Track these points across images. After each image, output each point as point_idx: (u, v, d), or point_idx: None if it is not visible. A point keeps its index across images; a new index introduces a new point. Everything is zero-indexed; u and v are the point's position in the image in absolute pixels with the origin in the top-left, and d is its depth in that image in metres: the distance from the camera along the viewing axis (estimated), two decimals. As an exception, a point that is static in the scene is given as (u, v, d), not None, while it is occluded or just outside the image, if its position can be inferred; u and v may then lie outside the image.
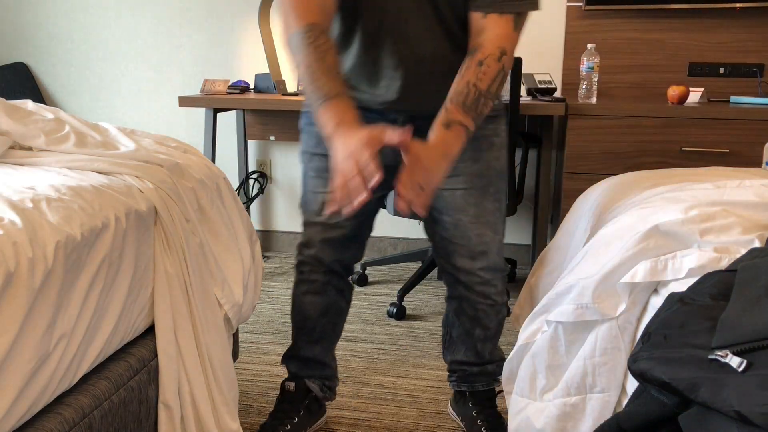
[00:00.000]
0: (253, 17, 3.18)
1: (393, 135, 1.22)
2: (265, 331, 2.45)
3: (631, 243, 1.14)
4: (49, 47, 3.42)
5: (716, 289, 0.93)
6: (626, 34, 2.91)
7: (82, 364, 1.17)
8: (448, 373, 1.82)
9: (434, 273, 3.05)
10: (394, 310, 2.59)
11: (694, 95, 2.69)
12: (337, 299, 1.70)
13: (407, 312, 2.65)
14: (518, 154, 2.65)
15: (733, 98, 2.72)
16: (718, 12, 2.82)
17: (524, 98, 2.67)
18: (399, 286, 2.77)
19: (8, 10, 3.41)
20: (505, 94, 2.37)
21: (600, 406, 1.16)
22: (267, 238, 3.46)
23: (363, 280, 2.98)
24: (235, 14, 3.23)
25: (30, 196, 1.15)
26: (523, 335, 1.32)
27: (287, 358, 1.78)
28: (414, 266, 3.14)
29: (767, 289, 0.86)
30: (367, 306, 2.72)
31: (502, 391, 1.45)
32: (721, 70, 2.87)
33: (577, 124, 2.53)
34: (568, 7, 2.92)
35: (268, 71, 2.99)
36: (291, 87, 3.16)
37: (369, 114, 1.49)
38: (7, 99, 1.59)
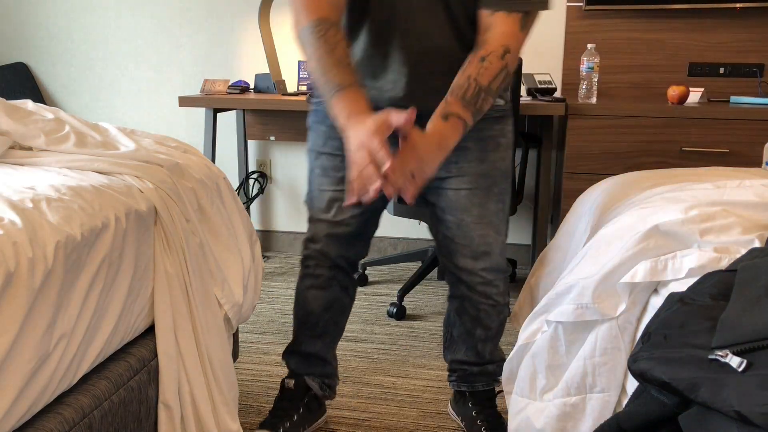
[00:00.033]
0: (253, 17, 3.18)
1: (399, 117, 1.23)
2: (265, 331, 2.45)
3: (631, 243, 1.14)
4: (49, 47, 3.42)
5: (716, 289, 0.93)
6: (626, 34, 2.91)
7: (82, 364, 1.17)
8: (448, 373, 1.82)
9: (434, 273, 3.05)
10: (394, 310, 2.59)
11: (694, 95, 2.69)
12: (341, 295, 1.71)
13: (407, 312, 2.65)
14: (518, 154, 2.64)
15: (733, 98, 2.72)
16: (718, 12, 2.82)
17: (524, 98, 2.67)
18: (399, 286, 2.77)
19: (8, 10, 3.41)
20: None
21: (600, 406, 1.16)
22: (267, 238, 3.46)
23: (363, 280, 2.98)
24: (235, 14, 3.23)
25: (30, 196, 1.15)
26: (523, 335, 1.32)
27: (288, 354, 1.78)
28: (414, 266, 3.14)
29: (767, 289, 0.86)
30: (367, 306, 2.72)
31: (502, 391, 1.45)
32: (721, 70, 2.87)
33: (577, 124, 2.53)
34: (568, 7, 2.92)
35: (268, 71, 2.99)
36: (291, 87, 3.16)
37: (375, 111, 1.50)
38: (7, 99, 1.59)
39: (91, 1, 3.34)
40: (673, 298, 0.96)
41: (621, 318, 1.13)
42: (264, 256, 3.34)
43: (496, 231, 1.59)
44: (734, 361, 0.75)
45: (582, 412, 1.18)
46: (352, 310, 2.59)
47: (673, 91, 2.57)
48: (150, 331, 1.40)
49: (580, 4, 2.89)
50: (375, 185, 1.23)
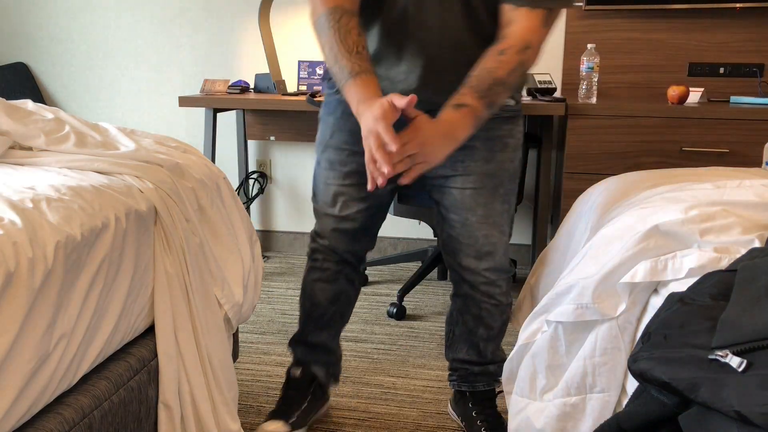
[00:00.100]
0: (253, 17, 3.18)
1: (402, 100, 1.23)
2: (265, 331, 2.45)
3: (631, 243, 1.14)
4: (49, 47, 3.42)
5: (716, 289, 0.93)
6: (626, 34, 2.91)
7: (82, 364, 1.17)
8: (449, 372, 1.82)
9: (434, 273, 3.05)
10: (394, 310, 2.59)
11: (694, 95, 2.68)
12: (347, 288, 1.73)
13: (407, 312, 2.64)
14: (518, 154, 2.64)
15: (733, 98, 2.72)
16: (718, 12, 2.82)
17: (524, 98, 2.67)
18: (399, 286, 2.77)
19: (8, 10, 3.41)
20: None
21: (600, 406, 1.16)
22: (267, 238, 3.46)
23: (363, 280, 2.98)
24: (235, 14, 3.23)
25: (30, 196, 1.15)
26: (523, 335, 1.32)
27: (294, 343, 1.80)
28: (414, 266, 3.14)
29: (767, 289, 0.86)
30: (367, 306, 2.72)
31: (502, 391, 1.45)
32: (721, 70, 2.87)
33: (577, 124, 2.53)
34: (568, 7, 2.92)
35: (268, 71, 2.99)
36: (291, 87, 3.16)
37: None
38: (7, 99, 1.59)
39: (91, 1, 3.34)
40: (673, 298, 0.96)
41: (621, 318, 1.13)
42: (264, 256, 3.34)
43: (500, 231, 1.59)
44: (734, 361, 0.75)
45: (582, 412, 1.18)
46: (353, 310, 2.61)
47: (673, 91, 2.57)
48: (150, 331, 1.40)
49: (580, 4, 2.88)
50: (385, 170, 1.23)
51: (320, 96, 2.82)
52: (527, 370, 1.29)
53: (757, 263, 0.95)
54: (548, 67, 3.01)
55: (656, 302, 1.09)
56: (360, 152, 1.40)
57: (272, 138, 3.20)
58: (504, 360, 1.73)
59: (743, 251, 1.05)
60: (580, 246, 1.50)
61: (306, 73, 3.08)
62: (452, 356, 1.79)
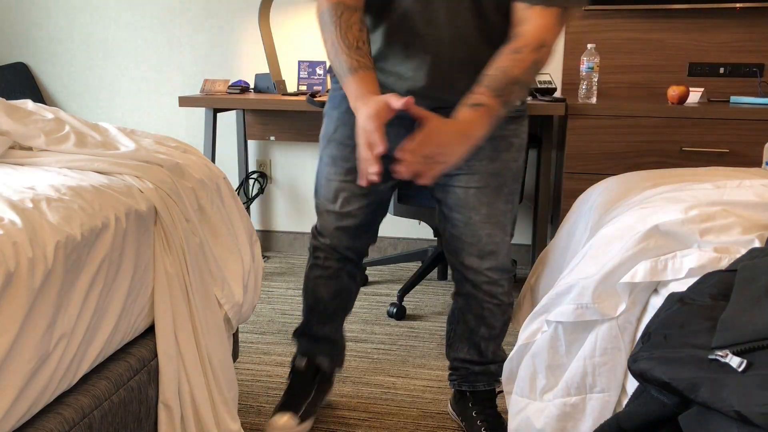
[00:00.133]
0: (253, 17, 3.18)
1: (397, 102, 1.23)
2: (265, 331, 2.45)
3: (631, 243, 1.14)
4: (49, 47, 3.42)
5: (716, 289, 0.93)
6: (626, 34, 2.91)
7: (82, 364, 1.17)
8: (449, 372, 1.82)
9: (434, 273, 3.05)
10: (394, 310, 2.59)
11: (694, 95, 2.68)
12: (349, 283, 1.75)
13: (407, 312, 2.64)
14: (518, 154, 2.64)
15: (733, 98, 2.72)
16: (718, 12, 2.82)
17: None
18: (399, 286, 2.76)
19: (8, 10, 3.41)
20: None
21: (600, 406, 1.16)
22: (267, 238, 3.46)
23: (363, 280, 2.98)
24: (235, 14, 3.23)
25: (30, 196, 1.15)
26: (523, 335, 1.32)
27: (298, 335, 1.82)
28: (414, 266, 3.14)
29: (767, 289, 0.86)
30: (367, 306, 2.72)
31: (502, 391, 1.45)
32: (721, 70, 2.87)
33: (577, 124, 2.53)
34: (568, 7, 2.92)
35: (268, 71, 2.99)
36: (291, 87, 3.16)
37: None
38: (7, 99, 1.59)
39: (91, 1, 3.34)
40: (673, 298, 0.96)
41: (621, 318, 1.13)
42: (264, 256, 3.34)
43: (503, 231, 1.59)
44: (734, 361, 0.75)
45: (582, 412, 1.18)
46: (353, 310, 2.61)
47: (673, 91, 2.57)
48: (150, 331, 1.40)
49: (580, 4, 2.88)
50: (372, 169, 1.24)
51: (320, 96, 2.82)
52: (527, 370, 1.29)
53: (757, 263, 0.95)
54: (548, 67, 3.01)
55: (656, 302, 1.09)
56: None
57: (272, 138, 3.20)
58: (505, 360, 1.73)
59: (743, 251, 1.05)
60: (580, 246, 1.50)
61: (306, 73, 3.08)
62: (453, 355, 1.79)
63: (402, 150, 1.23)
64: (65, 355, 1.10)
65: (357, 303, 2.72)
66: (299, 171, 3.36)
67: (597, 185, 1.71)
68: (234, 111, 3.25)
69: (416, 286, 2.81)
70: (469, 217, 1.56)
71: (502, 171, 1.56)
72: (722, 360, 0.76)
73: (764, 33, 2.80)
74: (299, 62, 3.10)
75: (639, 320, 1.13)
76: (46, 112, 1.56)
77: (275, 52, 3.04)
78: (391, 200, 2.72)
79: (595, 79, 2.65)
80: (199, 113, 3.33)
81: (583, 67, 2.65)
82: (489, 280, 1.60)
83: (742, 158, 2.46)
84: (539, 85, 2.73)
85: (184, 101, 2.80)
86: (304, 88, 3.09)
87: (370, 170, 1.25)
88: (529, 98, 2.71)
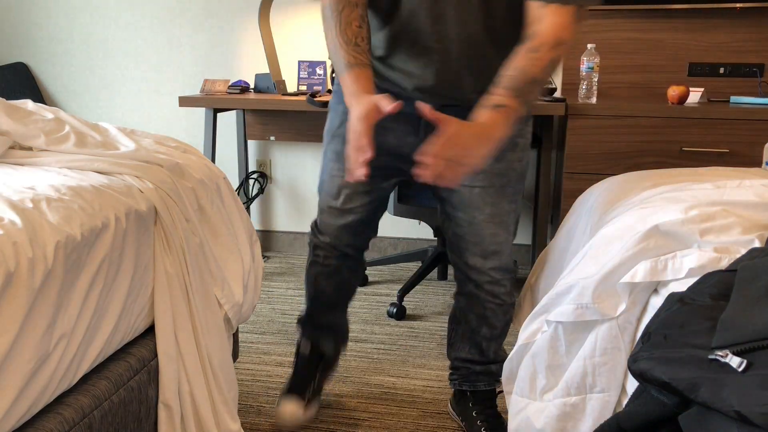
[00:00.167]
0: (253, 17, 3.18)
1: (387, 105, 1.24)
2: (265, 331, 2.45)
3: (631, 243, 1.14)
4: (49, 47, 3.42)
5: (716, 289, 0.93)
6: (626, 34, 2.91)
7: (82, 364, 1.17)
8: (450, 371, 1.82)
9: (434, 273, 3.05)
10: (394, 310, 2.59)
11: (694, 95, 2.68)
12: (349, 277, 1.76)
13: (407, 312, 2.64)
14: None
15: (733, 98, 2.72)
16: (718, 12, 2.82)
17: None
18: (399, 286, 2.76)
19: (8, 10, 3.41)
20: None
21: (600, 406, 1.16)
22: (267, 238, 3.46)
23: (363, 280, 2.98)
24: (235, 14, 3.23)
25: (30, 196, 1.15)
26: (523, 335, 1.32)
27: (302, 321, 1.84)
28: (414, 266, 3.13)
29: (767, 289, 0.86)
30: (367, 306, 2.72)
31: (502, 391, 1.45)
32: (721, 70, 2.87)
33: (577, 124, 2.53)
34: (568, 7, 2.92)
35: (268, 71, 2.99)
36: (291, 87, 3.16)
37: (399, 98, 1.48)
38: (7, 99, 1.59)
39: (91, 1, 3.34)
40: (673, 298, 0.96)
41: (621, 318, 1.13)
42: (264, 256, 3.34)
43: (506, 231, 1.59)
44: (734, 361, 0.75)
45: (582, 412, 1.18)
46: (353, 310, 2.62)
47: (673, 91, 2.57)
48: (150, 331, 1.40)
49: (580, 4, 2.88)
50: (359, 171, 1.26)
51: (320, 96, 2.82)
52: (527, 370, 1.29)
53: (757, 263, 0.95)
54: (548, 67, 3.00)
55: (656, 302, 1.09)
56: None
57: (272, 138, 3.20)
58: (506, 359, 1.73)
59: (743, 251, 1.05)
60: (580, 246, 1.50)
61: (306, 73, 3.08)
62: (454, 355, 1.78)
63: (424, 154, 1.21)
64: (65, 355, 1.10)
65: (357, 303, 2.72)
66: (299, 171, 3.36)
67: (597, 185, 1.71)
68: (234, 111, 3.25)
69: (416, 286, 2.81)
70: (473, 216, 1.56)
71: (507, 171, 1.55)
72: (722, 360, 0.76)
73: (764, 33, 2.80)
74: (299, 62, 3.10)
75: (639, 320, 1.13)
76: (46, 112, 1.56)
77: (275, 52, 3.04)
78: (391, 200, 2.72)
79: (595, 79, 2.65)
80: (199, 113, 3.33)
81: (583, 67, 2.65)
82: (492, 279, 1.60)
83: (742, 158, 2.45)
84: (539, 85, 2.72)
85: (184, 101, 2.80)
86: (304, 88, 3.09)
87: (356, 172, 1.26)
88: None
